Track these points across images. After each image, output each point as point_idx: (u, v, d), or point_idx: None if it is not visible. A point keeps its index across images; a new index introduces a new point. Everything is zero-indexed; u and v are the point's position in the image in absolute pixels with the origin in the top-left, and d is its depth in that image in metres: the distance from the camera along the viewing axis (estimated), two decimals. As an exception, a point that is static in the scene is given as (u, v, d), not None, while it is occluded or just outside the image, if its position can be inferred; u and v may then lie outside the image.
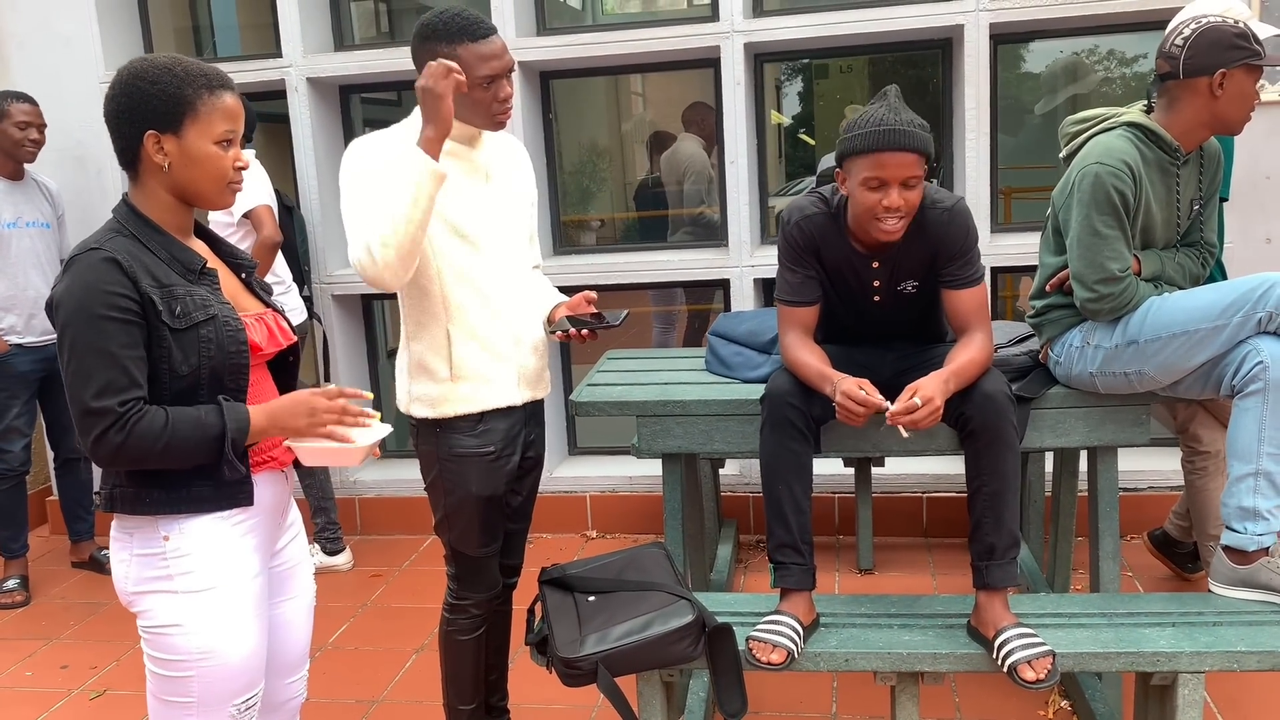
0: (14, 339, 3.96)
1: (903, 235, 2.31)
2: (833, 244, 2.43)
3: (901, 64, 4.52)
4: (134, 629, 1.80)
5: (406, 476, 4.53)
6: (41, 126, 4.00)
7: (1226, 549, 2.39)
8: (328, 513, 4.17)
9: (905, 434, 2.23)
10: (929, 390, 2.22)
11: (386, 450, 4.85)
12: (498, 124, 2.30)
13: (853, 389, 2.23)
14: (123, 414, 1.66)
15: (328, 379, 3.98)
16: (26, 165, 4.06)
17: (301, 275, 4.20)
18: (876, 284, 2.46)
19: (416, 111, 2.33)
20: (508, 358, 2.39)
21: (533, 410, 2.50)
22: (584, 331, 2.34)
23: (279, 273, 3.92)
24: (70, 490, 4.33)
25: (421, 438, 2.42)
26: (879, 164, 2.22)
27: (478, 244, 2.32)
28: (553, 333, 2.41)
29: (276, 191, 4.05)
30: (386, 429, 1.89)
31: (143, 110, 1.72)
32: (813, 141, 4.78)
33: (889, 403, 2.23)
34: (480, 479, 2.39)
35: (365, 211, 2.16)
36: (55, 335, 4.15)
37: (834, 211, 2.43)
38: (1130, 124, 2.55)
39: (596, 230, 4.91)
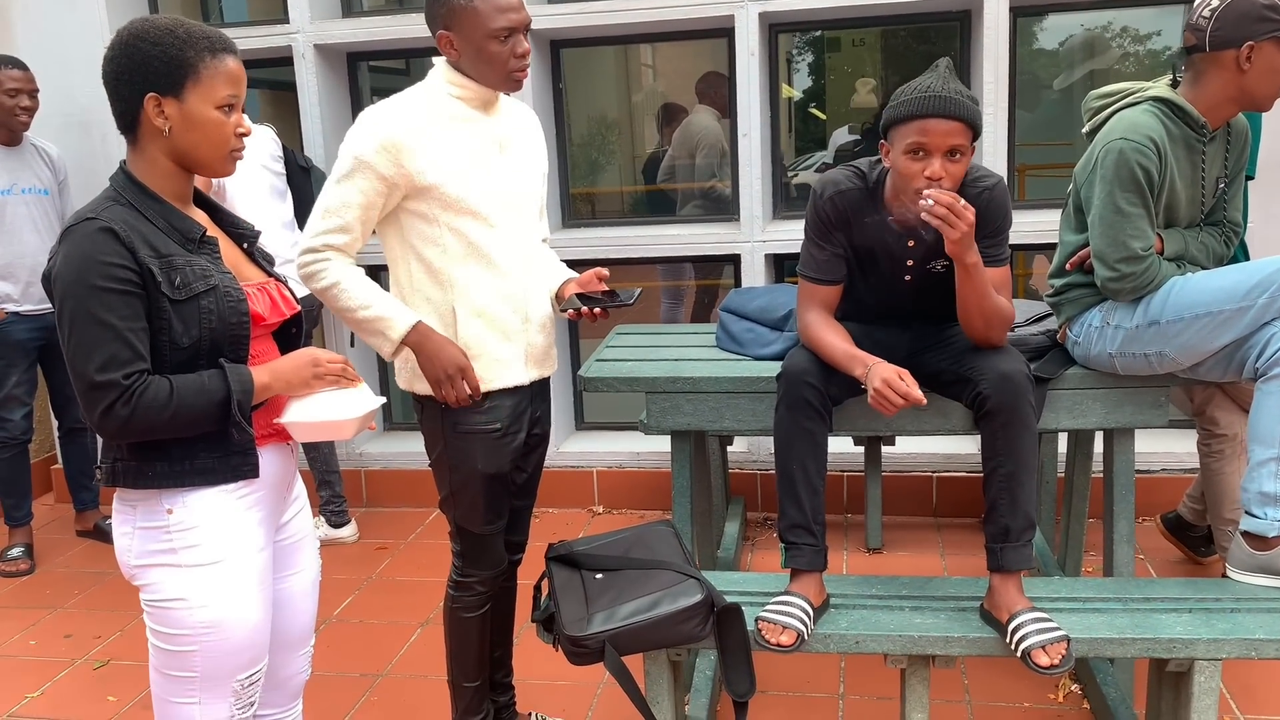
0: (10, 307, 3.93)
1: None
2: (867, 220, 2.36)
3: (913, 38, 4.44)
4: (138, 599, 1.78)
5: (413, 449, 4.51)
6: (33, 92, 3.93)
7: (1246, 534, 2.35)
8: (333, 485, 4.15)
9: (927, 211, 2.12)
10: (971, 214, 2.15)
11: (393, 422, 4.82)
12: (514, 82, 2.24)
13: (894, 378, 2.17)
14: (128, 387, 1.62)
15: (353, 344, 3.95)
16: (25, 131, 4.01)
17: None
18: (910, 263, 2.39)
19: (430, 75, 2.29)
20: (516, 336, 2.34)
21: (539, 387, 2.47)
22: (595, 310, 2.29)
23: (287, 240, 3.86)
24: (75, 459, 4.32)
25: (426, 414, 2.38)
26: (923, 130, 2.14)
27: (489, 218, 2.27)
28: (563, 310, 2.36)
29: (292, 151, 3.99)
30: (380, 400, 1.87)
31: (143, 72, 1.68)
32: (824, 116, 4.71)
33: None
34: (486, 456, 2.35)
35: (337, 218, 2.22)
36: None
37: (871, 187, 2.36)
38: (1156, 99, 2.48)
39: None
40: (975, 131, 2.18)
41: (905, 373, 2.20)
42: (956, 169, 2.18)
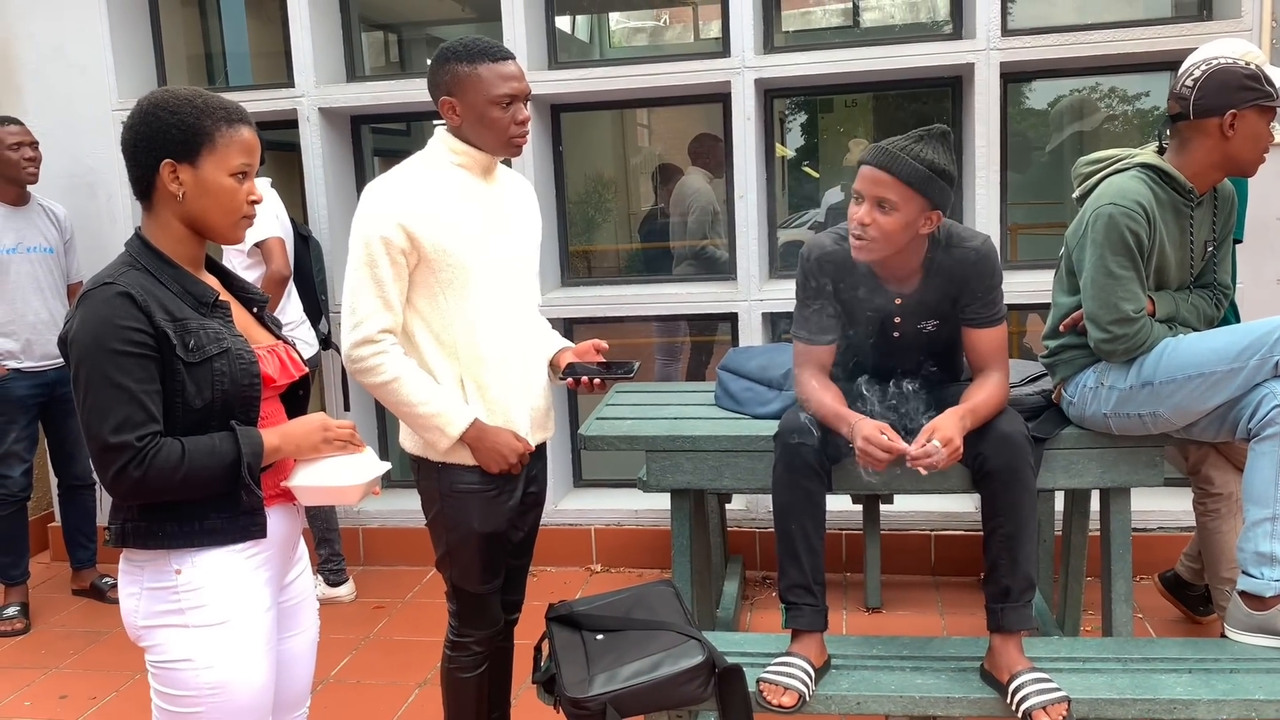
0: (12, 364, 3.95)
1: (927, 273, 2.30)
2: (852, 280, 2.41)
3: (905, 99, 4.54)
4: (135, 659, 1.79)
5: (410, 508, 4.49)
6: (34, 144, 3.99)
7: (1243, 594, 2.36)
8: (332, 544, 4.14)
9: (924, 472, 2.22)
10: (948, 430, 2.20)
11: (391, 481, 4.82)
12: (514, 147, 2.29)
13: (874, 434, 2.21)
14: (141, 449, 1.65)
15: (347, 409, 3.96)
16: (32, 190, 4.07)
17: (319, 305, 4.16)
18: (898, 319, 2.44)
19: (430, 144, 2.34)
20: (520, 406, 2.37)
21: (536, 449, 2.48)
22: (596, 381, 2.33)
23: (288, 311, 3.90)
24: (73, 517, 4.31)
25: (423, 474, 2.40)
26: (860, 176, 2.29)
27: (495, 287, 2.30)
28: (562, 378, 2.39)
29: (293, 220, 4.03)
30: (385, 466, 1.90)
31: (161, 139, 1.73)
32: (816, 174, 4.78)
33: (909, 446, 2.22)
34: (482, 515, 2.36)
35: (379, 301, 2.22)
36: (55, 360, 4.07)
37: None
38: (1144, 165, 2.54)
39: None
40: (916, 191, 2.22)
41: (885, 426, 2.24)
42: (887, 222, 2.25)
